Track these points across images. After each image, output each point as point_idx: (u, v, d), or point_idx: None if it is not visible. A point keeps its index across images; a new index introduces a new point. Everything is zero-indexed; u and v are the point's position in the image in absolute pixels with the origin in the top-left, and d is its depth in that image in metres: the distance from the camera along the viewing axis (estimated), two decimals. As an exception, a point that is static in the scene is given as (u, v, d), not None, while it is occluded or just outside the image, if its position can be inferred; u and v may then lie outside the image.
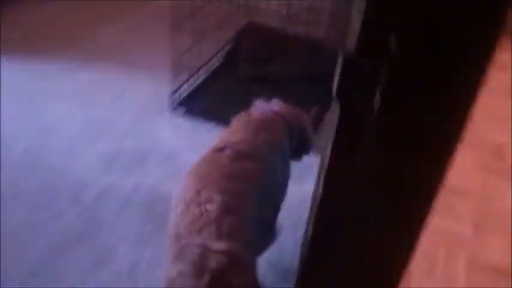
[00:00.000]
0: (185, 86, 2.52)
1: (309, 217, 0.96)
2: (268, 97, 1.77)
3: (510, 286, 1.73)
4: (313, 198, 0.93)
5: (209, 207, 1.20)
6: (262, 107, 1.68)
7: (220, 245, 1.13)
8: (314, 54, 2.98)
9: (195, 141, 2.27)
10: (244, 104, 2.50)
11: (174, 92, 2.43)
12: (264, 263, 1.57)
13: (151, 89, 2.60)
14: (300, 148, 1.66)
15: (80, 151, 2.15)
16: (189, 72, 2.53)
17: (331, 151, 0.79)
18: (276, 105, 1.67)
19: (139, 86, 2.62)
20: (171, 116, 2.43)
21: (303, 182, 1.80)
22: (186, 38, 2.33)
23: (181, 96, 2.50)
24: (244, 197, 1.29)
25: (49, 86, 2.55)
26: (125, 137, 2.27)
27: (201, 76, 2.66)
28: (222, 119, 2.40)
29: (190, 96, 2.53)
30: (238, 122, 1.59)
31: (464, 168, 2.22)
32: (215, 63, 2.81)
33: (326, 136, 0.81)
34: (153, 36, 3.10)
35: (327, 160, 0.81)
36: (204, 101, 2.51)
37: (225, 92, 2.60)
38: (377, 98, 0.68)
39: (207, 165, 1.37)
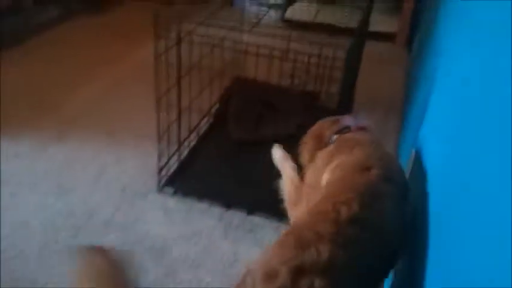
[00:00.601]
0: (173, 159, 2.26)
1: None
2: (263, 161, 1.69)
3: None
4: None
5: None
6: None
7: None
8: (308, 108, 2.76)
9: (189, 228, 2.00)
10: (240, 175, 2.25)
11: (161, 168, 2.17)
12: None
13: (135, 164, 2.34)
14: None
15: (53, 256, 1.85)
16: (176, 139, 2.27)
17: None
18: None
19: (122, 162, 2.35)
20: (159, 198, 2.16)
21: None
22: (171, 107, 2.08)
23: (169, 173, 2.23)
24: None
25: (18, 168, 2.26)
26: (106, 229, 1.98)
27: (189, 145, 2.41)
28: (217, 196, 2.19)
29: (179, 172, 2.26)
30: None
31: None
32: (203, 127, 2.56)
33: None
34: (135, 96, 2.86)
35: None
36: (194, 177, 2.24)
37: (217, 163, 2.35)
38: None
39: None
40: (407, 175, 1.69)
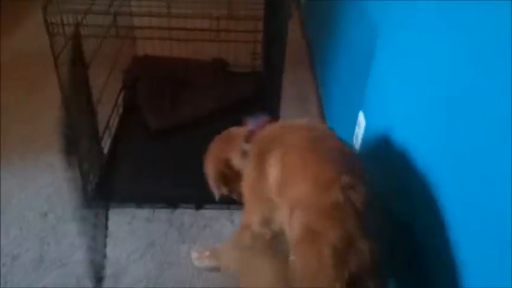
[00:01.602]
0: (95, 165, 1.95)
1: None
2: (194, 144, 1.56)
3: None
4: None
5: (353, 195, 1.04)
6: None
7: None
8: (222, 76, 2.59)
9: (139, 242, 1.77)
10: (174, 167, 2.02)
11: (86, 180, 1.86)
12: None
13: (45, 183, 1.98)
14: None
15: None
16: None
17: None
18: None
19: (26, 184, 1.98)
20: (91, 215, 1.87)
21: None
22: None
23: (93, 183, 1.93)
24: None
25: None
26: (40, 270, 1.66)
27: (105, 145, 2.10)
28: (157, 198, 1.95)
29: (105, 179, 1.97)
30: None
31: None
32: (114, 122, 2.25)
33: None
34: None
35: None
36: (124, 181, 1.97)
37: (144, 159, 2.09)
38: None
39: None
40: (358, 138, 1.66)
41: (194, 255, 1.70)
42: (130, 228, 1.83)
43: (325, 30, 2.42)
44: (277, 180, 1.21)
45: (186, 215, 1.89)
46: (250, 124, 1.45)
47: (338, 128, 1.99)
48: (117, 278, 1.65)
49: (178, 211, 1.90)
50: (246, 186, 1.38)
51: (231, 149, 1.44)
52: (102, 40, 1.88)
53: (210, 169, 1.51)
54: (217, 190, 1.50)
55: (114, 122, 2.22)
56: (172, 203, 1.91)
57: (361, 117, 1.65)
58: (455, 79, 1.01)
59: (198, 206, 1.92)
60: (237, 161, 1.43)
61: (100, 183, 1.94)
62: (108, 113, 2.17)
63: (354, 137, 1.72)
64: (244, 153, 1.38)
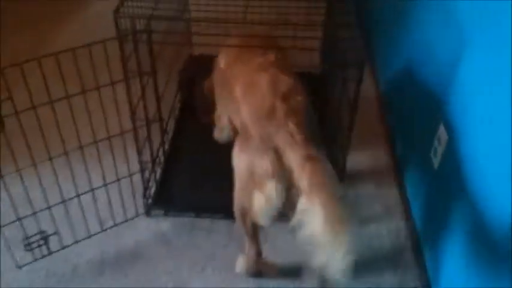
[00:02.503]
0: (155, 172, 1.90)
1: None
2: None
3: None
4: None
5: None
6: None
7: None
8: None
9: (197, 254, 1.72)
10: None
11: (146, 189, 1.82)
12: None
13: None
14: None
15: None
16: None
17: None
18: None
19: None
20: (150, 225, 1.83)
21: None
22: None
23: (153, 192, 1.89)
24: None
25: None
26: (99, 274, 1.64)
27: (163, 151, 2.05)
28: (217, 207, 1.83)
29: (164, 187, 1.92)
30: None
31: None
32: (170, 125, 2.19)
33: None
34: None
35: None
36: (183, 188, 1.92)
37: (204, 163, 2.02)
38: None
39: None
40: (437, 154, 1.53)
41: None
42: (189, 239, 1.77)
43: (396, 28, 2.28)
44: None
45: (246, 226, 1.82)
46: None
47: (410, 141, 1.87)
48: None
49: (238, 222, 1.83)
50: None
51: None
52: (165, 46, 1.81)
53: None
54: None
55: (171, 126, 2.18)
56: (231, 215, 1.84)
57: (442, 131, 1.53)
58: None
59: (259, 218, 1.84)
60: None
61: (159, 191, 1.90)
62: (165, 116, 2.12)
63: (432, 153, 1.60)
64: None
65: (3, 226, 1.54)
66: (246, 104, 1.47)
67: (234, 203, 1.52)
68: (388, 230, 1.81)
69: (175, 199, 1.89)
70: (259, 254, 1.62)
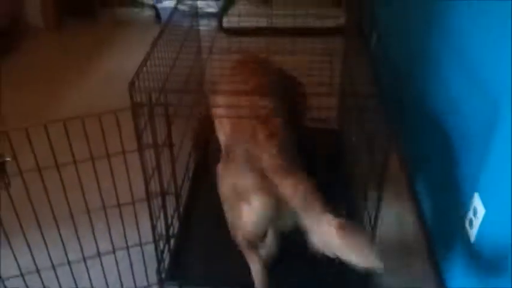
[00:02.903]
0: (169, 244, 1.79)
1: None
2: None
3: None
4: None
5: None
6: None
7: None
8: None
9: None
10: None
11: (160, 262, 1.71)
12: None
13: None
14: None
15: None
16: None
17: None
18: None
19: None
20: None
21: None
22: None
23: (167, 264, 1.77)
24: None
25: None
26: None
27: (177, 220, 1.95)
28: (234, 280, 1.73)
29: (178, 258, 1.81)
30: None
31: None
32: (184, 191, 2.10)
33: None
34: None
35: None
36: (198, 261, 1.80)
37: (219, 232, 1.91)
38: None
39: None
40: (474, 227, 1.43)
41: None
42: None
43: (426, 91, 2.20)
44: None
45: (266, 303, 1.69)
46: None
47: (438, 212, 1.75)
48: None
49: (259, 297, 1.71)
50: None
51: None
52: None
53: None
54: None
55: (185, 190, 2.09)
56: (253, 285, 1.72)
57: (477, 202, 1.43)
58: None
59: (284, 289, 1.72)
60: None
61: (173, 264, 1.79)
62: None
63: (467, 224, 1.49)
64: None
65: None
66: (229, 124, 1.57)
67: (229, 225, 1.57)
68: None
69: (191, 272, 1.77)
70: (265, 266, 1.59)
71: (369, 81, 1.56)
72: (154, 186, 1.57)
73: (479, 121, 1.46)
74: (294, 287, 1.73)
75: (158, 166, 1.51)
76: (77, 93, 2.98)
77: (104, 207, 1.46)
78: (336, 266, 1.70)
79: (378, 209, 1.54)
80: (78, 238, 1.51)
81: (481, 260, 1.42)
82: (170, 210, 1.77)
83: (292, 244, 1.60)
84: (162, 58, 1.64)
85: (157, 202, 1.62)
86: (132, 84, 1.32)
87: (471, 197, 1.46)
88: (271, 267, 1.64)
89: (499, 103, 1.34)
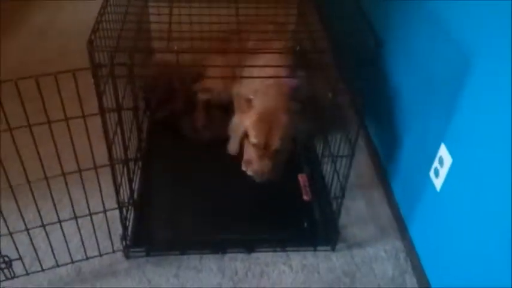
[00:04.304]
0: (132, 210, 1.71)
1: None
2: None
3: None
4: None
5: None
6: None
7: None
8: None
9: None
10: (218, 198, 1.78)
11: (125, 228, 1.62)
12: None
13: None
14: None
15: None
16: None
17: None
18: None
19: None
20: (131, 268, 1.64)
21: None
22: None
23: (130, 231, 1.69)
24: None
25: None
26: None
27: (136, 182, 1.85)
28: (203, 242, 1.68)
29: (142, 223, 1.73)
30: None
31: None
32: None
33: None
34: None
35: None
36: (163, 224, 1.74)
37: (182, 191, 1.85)
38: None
39: None
40: (440, 176, 1.47)
41: None
42: (178, 281, 1.61)
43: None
44: None
45: (238, 261, 1.68)
46: None
47: (406, 164, 1.79)
48: None
49: (229, 256, 1.69)
50: None
51: None
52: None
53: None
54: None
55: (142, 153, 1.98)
56: (221, 248, 1.70)
57: (443, 152, 1.47)
58: None
59: (250, 250, 1.71)
60: None
61: (138, 228, 1.71)
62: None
63: (432, 174, 1.54)
64: None
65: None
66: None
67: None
68: (386, 252, 1.74)
69: (157, 237, 1.71)
70: None
71: (322, 37, 1.53)
72: (117, 150, 1.46)
73: (447, 73, 1.48)
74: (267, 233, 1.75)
75: (122, 130, 1.40)
76: (8, 49, 2.70)
77: (63, 174, 1.34)
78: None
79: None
80: (36, 205, 1.39)
81: (446, 208, 1.48)
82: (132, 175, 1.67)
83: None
84: (111, 13, 1.49)
85: (119, 167, 1.52)
86: (90, 42, 1.18)
87: (437, 147, 1.51)
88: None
89: (467, 55, 1.35)
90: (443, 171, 1.47)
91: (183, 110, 2.13)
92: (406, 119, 1.79)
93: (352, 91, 1.51)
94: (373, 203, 1.92)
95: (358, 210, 1.87)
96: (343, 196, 1.62)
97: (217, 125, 1.98)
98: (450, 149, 1.45)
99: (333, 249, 1.72)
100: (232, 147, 1.77)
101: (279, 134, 1.63)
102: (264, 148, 1.64)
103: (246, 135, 1.70)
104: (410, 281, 1.64)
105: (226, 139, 1.81)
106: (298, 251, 1.71)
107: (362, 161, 2.09)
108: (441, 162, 1.49)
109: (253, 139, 1.65)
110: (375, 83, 1.84)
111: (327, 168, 1.85)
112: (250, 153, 1.69)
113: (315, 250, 1.72)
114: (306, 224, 1.73)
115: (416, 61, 1.70)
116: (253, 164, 1.66)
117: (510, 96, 1.18)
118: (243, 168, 1.71)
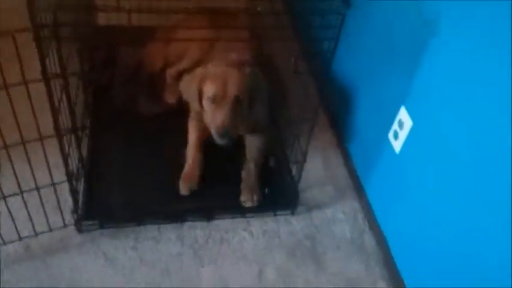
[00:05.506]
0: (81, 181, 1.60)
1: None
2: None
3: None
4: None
5: None
6: None
7: None
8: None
9: (149, 271, 1.51)
10: (171, 165, 1.72)
11: (76, 201, 1.52)
12: None
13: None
14: None
15: None
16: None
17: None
18: None
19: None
20: (86, 242, 1.55)
21: None
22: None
23: (81, 203, 1.59)
24: None
25: None
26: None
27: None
28: (160, 211, 1.63)
29: (91, 194, 1.64)
30: None
31: None
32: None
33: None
34: None
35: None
36: (116, 194, 1.65)
37: (134, 161, 1.76)
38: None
39: None
40: (399, 139, 1.49)
41: None
42: (136, 253, 1.54)
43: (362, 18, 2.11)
44: None
45: (197, 229, 1.64)
46: None
47: (364, 129, 1.79)
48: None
49: (188, 224, 1.64)
50: None
51: None
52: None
53: None
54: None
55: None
56: (179, 217, 1.65)
57: (403, 115, 1.47)
58: None
59: (209, 217, 1.67)
60: None
61: (90, 200, 1.61)
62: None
63: (391, 136, 1.55)
64: None
65: None
66: None
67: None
68: (344, 213, 1.76)
69: (110, 209, 1.62)
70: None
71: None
72: (63, 119, 1.34)
73: (409, 35, 1.46)
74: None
75: (68, 97, 1.28)
76: None
77: (6, 146, 1.22)
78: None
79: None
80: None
81: (405, 170, 1.50)
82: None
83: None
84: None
85: (67, 138, 1.40)
86: (31, 1, 1.04)
87: (397, 110, 1.51)
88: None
89: (429, 17, 1.34)
90: (403, 134, 1.48)
91: (123, 80, 1.98)
92: (365, 82, 1.78)
93: (313, 55, 1.45)
94: (330, 165, 1.92)
95: (316, 172, 1.87)
96: (304, 161, 1.60)
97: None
98: (411, 112, 1.45)
99: (293, 213, 1.72)
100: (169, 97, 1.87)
101: (236, 82, 1.55)
102: (221, 99, 1.55)
103: (200, 97, 1.62)
104: (369, 241, 1.68)
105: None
106: (258, 216, 1.70)
107: (319, 123, 2.07)
108: (401, 125, 1.49)
109: (208, 91, 1.56)
110: (338, 46, 1.80)
111: (287, 133, 1.82)
112: (209, 112, 1.60)
113: (275, 215, 1.71)
114: (266, 190, 1.70)
115: (380, 24, 1.67)
116: (212, 121, 1.57)
117: (471, 60, 1.19)
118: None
